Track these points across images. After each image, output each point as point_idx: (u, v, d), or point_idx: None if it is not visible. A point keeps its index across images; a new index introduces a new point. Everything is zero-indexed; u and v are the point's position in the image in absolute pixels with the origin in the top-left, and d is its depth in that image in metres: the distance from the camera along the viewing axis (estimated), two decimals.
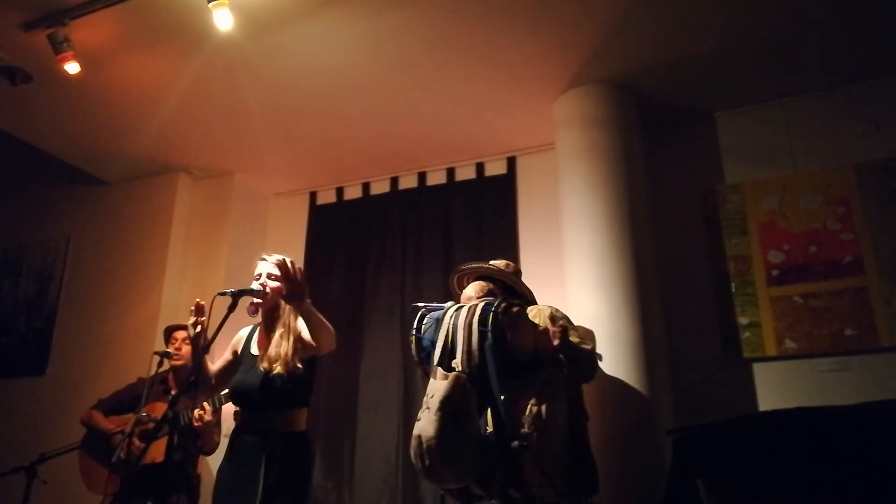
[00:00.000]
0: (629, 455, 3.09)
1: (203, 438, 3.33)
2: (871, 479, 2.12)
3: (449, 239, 4.39)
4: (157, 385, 3.50)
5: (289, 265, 2.27)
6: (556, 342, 2.58)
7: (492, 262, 3.04)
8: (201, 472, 3.54)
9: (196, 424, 3.09)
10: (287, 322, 2.49)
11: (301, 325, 2.48)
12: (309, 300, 2.34)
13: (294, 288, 2.28)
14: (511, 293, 2.95)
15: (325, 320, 2.40)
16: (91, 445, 3.52)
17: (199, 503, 3.44)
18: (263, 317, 2.59)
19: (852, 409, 2.28)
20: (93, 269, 4.76)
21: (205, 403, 3.17)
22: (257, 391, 2.41)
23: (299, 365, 2.44)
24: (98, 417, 3.53)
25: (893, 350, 3.30)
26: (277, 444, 2.35)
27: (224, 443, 3.68)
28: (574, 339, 2.71)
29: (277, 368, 2.40)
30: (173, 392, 3.44)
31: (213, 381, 2.63)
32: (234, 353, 2.66)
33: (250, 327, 2.68)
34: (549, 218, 4.07)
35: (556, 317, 2.79)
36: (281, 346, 2.44)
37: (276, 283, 2.53)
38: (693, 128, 4.06)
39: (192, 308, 2.44)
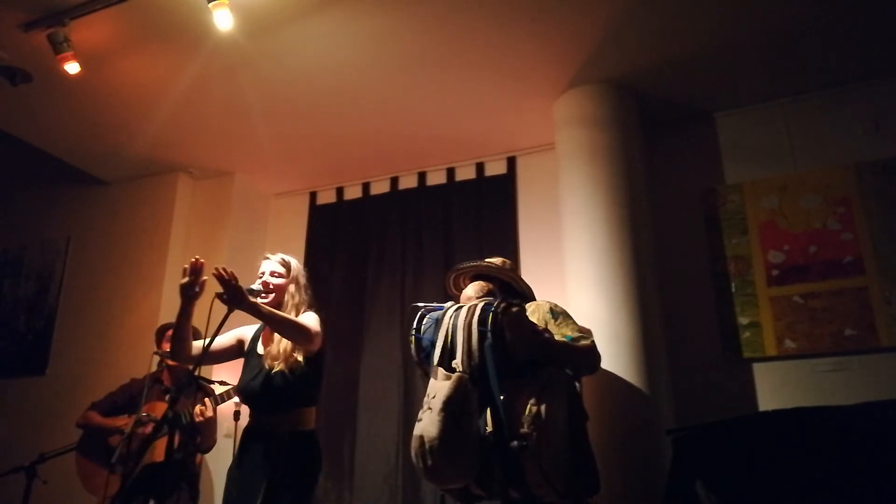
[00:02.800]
0: (629, 455, 3.09)
1: (203, 434, 3.33)
2: (871, 479, 2.12)
3: (449, 239, 4.39)
4: (153, 384, 3.50)
5: (221, 270, 2.22)
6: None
7: (488, 260, 3.04)
8: (200, 471, 3.54)
9: (198, 419, 3.11)
10: None
11: (303, 321, 2.47)
12: (256, 303, 2.30)
13: (228, 291, 2.23)
14: (509, 291, 2.95)
15: (290, 318, 2.40)
16: (88, 449, 3.51)
17: (199, 500, 3.45)
18: None
19: (852, 409, 2.28)
20: (93, 269, 4.75)
21: (206, 399, 3.18)
22: (261, 391, 2.43)
23: (300, 360, 2.45)
24: (95, 417, 3.53)
25: (893, 350, 3.30)
26: (282, 443, 2.37)
27: (225, 443, 3.70)
28: (572, 333, 2.69)
29: (279, 366, 2.41)
30: (171, 389, 3.45)
31: (191, 351, 2.50)
32: (239, 341, 2.64)
33: (257, 325, 2.68)
34: (549, 218, 4.07)
35: (555, 311, 2.78)
36: (281, 342, 2.45)
37: (279, 281, 2.55)
38: (693, 128, 4.05)
39: (187, 266, 2.33)
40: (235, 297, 2.24)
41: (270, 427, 2.42)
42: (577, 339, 2.69)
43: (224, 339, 2.62)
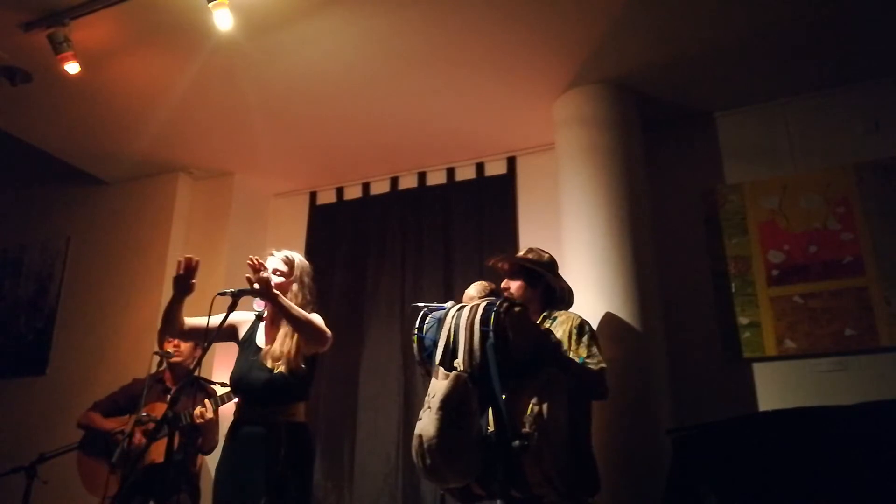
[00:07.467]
0: (629, 455, 3.09)
1: (204, 437, 3.33)
2: (871, 479, 2.12)
3: (449, 239, 4.39)
4: (154, 385, 3.50)
5: (255, 261, 2.34)
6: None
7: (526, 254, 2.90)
8: (200, 471, 3.54)
9: (198, 421, 3.10)
10: None
11: (317, 322, 2.51)
12: (280, 297, 2.38)
13: (260, 281, 2.34)
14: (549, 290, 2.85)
15: (309, 317, 2.43)
16: (90, 448, 3.51)
17: (199, 501, 3.45)
18: (270, 311, 2.60)
19: (852, 409, 2.28)
20: (93, 269, 4.75)
21: (206, 401, 3.18)
22: (259, 388, 2.44)
23: (303, 365, 2.46)
24: (96, 418, 3.52)
25: (893, 350, 3.30)
26: (281, 433, 2.38)
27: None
28: (586, 356, 2.62)
29: (280, 367, 2.42)
30: (172, 390, 3.44)
31: (183, 326, 2.54)
32: (231, 326, 2.62)
33: (255, 314, 2.67)
34: (549, 218, 4.06)
35: (583, 330, 2.71)
36: (285, 344, 2.47)
37: (280, 280, 2.55)
38: (693, 128, 4.06)
39: (181, 261, 2.41)
40: (264, 288, 2.35)
41: (266, 418, 2.42)
42: (586, 364, 2.60)
43: (216, 321, 2.58)
